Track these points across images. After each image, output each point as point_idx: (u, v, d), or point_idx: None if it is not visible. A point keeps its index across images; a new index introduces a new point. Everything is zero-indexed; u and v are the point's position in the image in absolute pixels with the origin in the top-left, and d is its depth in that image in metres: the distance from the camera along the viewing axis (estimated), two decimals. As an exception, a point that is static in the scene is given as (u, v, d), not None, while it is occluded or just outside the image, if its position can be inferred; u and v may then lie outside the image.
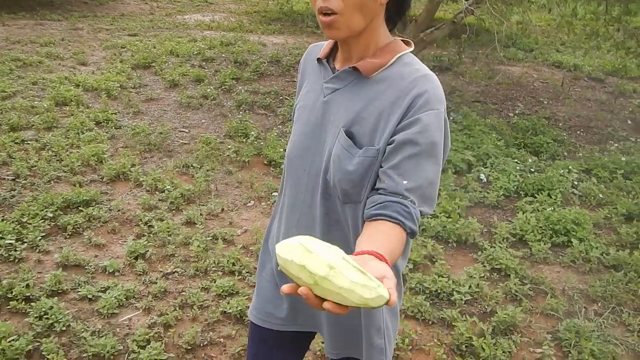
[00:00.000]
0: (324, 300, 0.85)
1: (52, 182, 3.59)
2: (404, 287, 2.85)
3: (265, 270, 1.40)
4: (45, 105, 4.74)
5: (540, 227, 3.59)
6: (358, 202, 1.14)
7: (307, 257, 0.85)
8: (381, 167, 1.09)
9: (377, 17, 1.11)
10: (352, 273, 0.83)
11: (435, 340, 2.52)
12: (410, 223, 1.03)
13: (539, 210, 3.80)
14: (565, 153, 5.07)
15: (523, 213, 3.73)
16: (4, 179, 3.56)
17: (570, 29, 6.40)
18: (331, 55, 1.22)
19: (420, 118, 1.06)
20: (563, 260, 3.30)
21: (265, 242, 1.42)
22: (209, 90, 5.59)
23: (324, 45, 1.24)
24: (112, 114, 4.76)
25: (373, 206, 1.06)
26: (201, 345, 2.36)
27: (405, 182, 1.05)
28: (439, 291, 2.83)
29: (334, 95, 1.17)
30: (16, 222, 3.06)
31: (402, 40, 1.17)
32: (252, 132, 4.61)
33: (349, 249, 1.08)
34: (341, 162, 1.12)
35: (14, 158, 3.80)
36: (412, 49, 1.17)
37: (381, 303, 0.83)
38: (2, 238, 2.88)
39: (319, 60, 1.23)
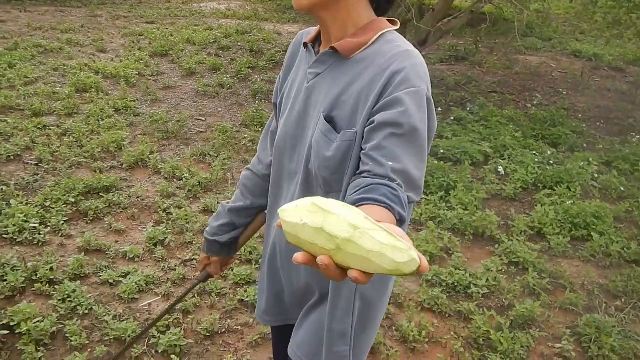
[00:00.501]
0: (344, 270, 0.71)
1: (73, 167, 3.64)
2: (421, 279, 2.86)
3: (263, 264, 1.36)
4: (66, 92, 4.79)
5: (559, 220, 3.56)
6: (339, 192, 1.06)
7: (324, 217, 0.71)
8: (362, 150, 1.01)
9: None
10: (379, 234, 0.70)
11: (452, 333, 2.53)
12: (399, 208, 0.89)
13: (557, 204, 3.76)
14: (585, 145, 5.01)
15: (541, 206, 3.70)
16: (28, 163, 3.62)
17: (591, 17, 6.28)
18: (317, 40, 1.16)
19: (400, 97, 0.98)
20: (583, 254, 3.27)
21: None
22: (225, 78, 5.60)
23: (312, 31, 1.18)
24: (130, 101, 4.80)
25: (357, 190, 0.93)
26: (219, 332, 2.39)
27: (390, 163, 0.95)
28: (455, 284, 2.82)
29: (316, 80, 1.11)
30: (40, 206, 3.11)
31: (388, 19, 1.10)
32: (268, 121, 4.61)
33: None
34: (319, 149, 1.07)
35: (37, 143, 3.86)
36: (396, 27, 1.10)
37: (413, 268, 0.70)
38: (26, 221, 2.93)
39: (304, 45, 1.17)
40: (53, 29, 6.83)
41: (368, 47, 1.05)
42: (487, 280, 2.88)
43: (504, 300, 2.78)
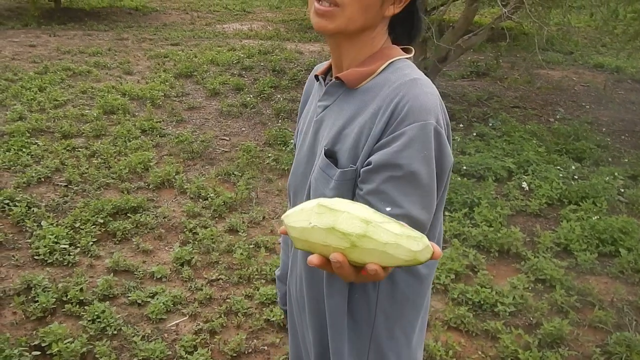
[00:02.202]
0: (358, 269, 0.69)
1: (101, 188, 3.73)
2: (447, 297, 2.84)
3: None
4: (94, 114, 4.93)
5: (586, 236, 3.50)
6: None
7: (334, 216, 0.69)
8: (359, 189, 0.94)
9: (376, 26, 1.00)
10: (391, 225, 0.69)
11: (480, 352, 2.50)
12: None
13: (583, 219, 3.71)
14: (610, 159, 4.93)
15: (567, 222, 3.65)
16: (58, 185, 3.73)
17: (612, 31, 6.23)
18: (330, 72, 1.10)
19: (402, 134, 0.89)
20: (611, 270, 3.21)
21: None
22: (248, 98, 5.70)
23: (325, 64, 1.13)
24: (156, 122, 4.91)
25: None
26: (246, 352, 2.41)
27: (389, 209, 0.88)
28: (482, 302, 2.80)
29: (324, 113, 1.05)
30: (69, 227, 3.20)
31: (402, 47, 1.05)
32: (291, 140, 4.67)
33: (337, 284, 1.02)
34: (318, 186, 1.01)
35: (66, 165, 3.97)
36: (409, 55, 1.04)
37: (428, 255, 0.70)
38: (57, 243, 3.01)
39: (316, 78, 1.13)
40: (81, 53, 7.05)
41: (376, 77, 0.99)
42: (514, 298, 2.85)
43: (531, 319, 2.74)
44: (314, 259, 0.69)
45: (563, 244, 3.44)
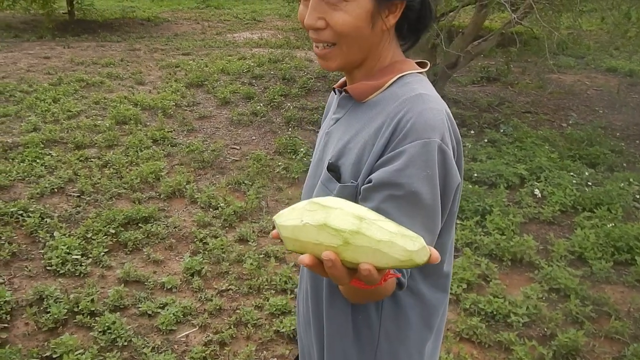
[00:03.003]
0: (351, 270, 0.66)
1: (113, 198, 3.76)
2: (459, 307, 2.81)
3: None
4: (107, 124, 4.98)
5: (601, 244, 3.45)
6: None
7: (327, 213, 0.66)
8: None
9: (379, 43, 0.97)
10: (386, 224, 0.66)
11: (492, 363, 2.46)
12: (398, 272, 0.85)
13: (598, 226, 3.65)
14: (625, 164, 4.86)
15: (581, 229, 3.60)
16: (71, 195, 3.76)
17: (624, 34, 6.15)
18: (346, 84, 1.09)
19: (403, 152, 0.86)
20: (627, 279, 3.15)
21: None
22: (258, 107, 5.72)
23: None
24: (168, 132, 4.95)
25: None
26: (256, 362, 2.41)
27: None
28: (494, 312, 2.76)
29: (334, 126, 1.05)
30: (81, 238, 3.22)
31: (417, 62, 1.03)
32: (301, 149, 4.67)
33: (338, 303, 1.00)
34: None
35: (79, 175, 4.01)
36: (422, 70, 1.01)
37: (424, 258, 0.66)
38: (69, 253, 3.04)
39: (333, 90, 1.13)
40: (94, 64, 7.14)
41: (383, 91, 0.98)
42: (527, 308, 2.81)
43: (545, 330, 2.70)
44: (305, 258, 0.67)
45: (577, 252, 3.39)
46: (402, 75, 0.98)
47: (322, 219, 0.65)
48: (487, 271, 3.12)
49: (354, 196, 0.94)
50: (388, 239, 0.64)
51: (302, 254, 0.69)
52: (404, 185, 0.86)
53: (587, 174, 4.51)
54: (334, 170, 0.98)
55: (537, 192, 4.16)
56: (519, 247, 3.33)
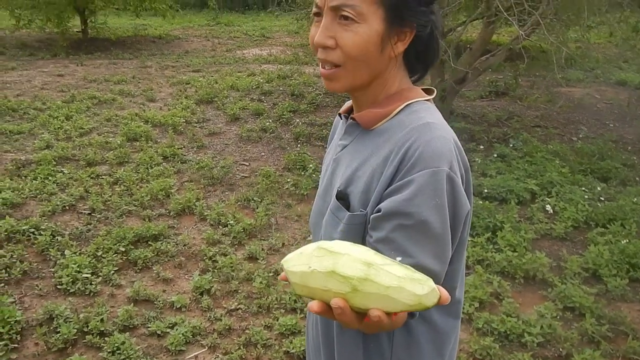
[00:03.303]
0: (361, 315, 0.65)
1: (123, 216, 3.78)
2: (471, 327, 2.77)
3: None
4: (118, 141, 5.03)
5: (615, 260, 3.39)
6: None
7: (334, 259, 0.66)
8: (369, 236, 0.92)
9: (386, 70, 0.98)
10: (394, 268, 0.66)
11: (505, 384, 2.42)
12: None
13: (612, 242, 3.60)
14: (637, 178, 4.80)
15: (595, 245, 3.55)
16: (82, 213, 3.79)
17: (633, 47, 6.13)
18: (352, 110, 1.10)
19: (412, 181, 0.87)
20: (642, 298, 3.10)
21: None
22: (267, 123, 5.74)
23: (349, 102, 1.12)
24: (178, 148, 4.98)
25: None
26: (265, 383, 2.38)
27: (399, 259, 0.85)
28: (508, 332, 2.72)
29: (342, 152, 1.05)
30: (92, 256, 3.23)
31: (423, 88, 1.03)
32: (310, 165, 4.68)
33: (349, 332, 0.98)
34: (327, 229, 1.00)
35: (90, 193, 4.03)
36: (429, 97, 1.02)
37: (434, 300, 0.67)
38: (79, 272, 3.05)
39: (339, 115, 1.14)
40: (107, 81, 7.24)
41: (391, 119, 0.98)
42: (542, 327, 2.76)
43: (560, 350, 2.65)
44: (314, 305, 0.67)
45: (591, 269, 3.34)
46: (410, 103, 0.98)
47: (330, 266, 0.66)
48: (499, 289, 3.08)
49: (363, 225, 0.94)
50: (397, 285, 0.64)
51: (311, 299, 0.68)
52: (414, 215, 0.86)
53: (599, 188, 4.47)
54: (342, 198, 0.98)
55: (548, 207, 4.12)
56: (531, 264, 3.29)
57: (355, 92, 1.02)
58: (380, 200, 0.91)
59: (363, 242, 0.94)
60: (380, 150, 0.95)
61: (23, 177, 4.22)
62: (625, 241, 3.57)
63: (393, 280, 0.65)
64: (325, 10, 0.94)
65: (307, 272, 0.67)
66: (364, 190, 0.95)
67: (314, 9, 0.98)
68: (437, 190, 0.86)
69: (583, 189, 4.42)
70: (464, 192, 0.92)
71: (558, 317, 2.88)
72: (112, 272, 3.10)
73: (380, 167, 0.93)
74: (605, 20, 5.96)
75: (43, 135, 5.06)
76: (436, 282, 0.90)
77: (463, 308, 2.87)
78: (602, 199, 4.30)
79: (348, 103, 1.14)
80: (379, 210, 0.90)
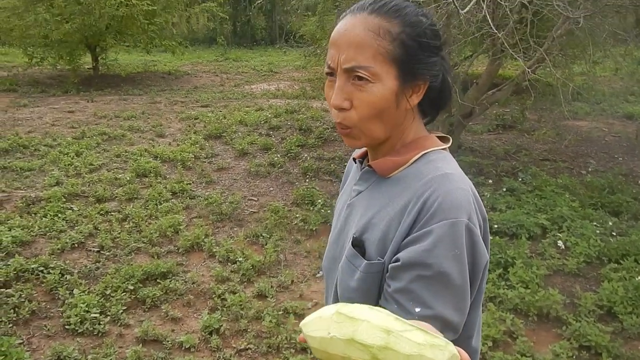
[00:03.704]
0: None
1: (132, 253, 3.78)
2: (484, 368, 2.71)
3: None
4: (127, 177, 5.06)
5: (630, 297, 3.33)
6: None
7: (354, 325, 0.66)
8: (388, 286, 0.91)
9: (404, 121, 0.99)
10: (414, 334, 0.66)
11: None
12: None
13: (626, 279, 3.54)
14: (650, 213, 4.76)
15: (609, 282, 3.49)
16: (91, 250, 3.79)
17: (638, 81, 6.17)
18: (367, 155, 1.10)
19: (431, 232, 0.87)
20: (660, 336, 3.03)
21: None
22: (275, 158, 5.78)
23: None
24: (187, 184, 5.01)
25: None
26: None
27: (418, 309, 0.85)
28: (523, 373, 2.66)
29: (357, 198, 1.06)
30: (100, 295, 3.22)
31: (439, 136, 1.04)
32: (319, 200, 4.68)
33: None
34: (343, 276, 0.99)
35: (99, 230, 4.05)
36: (445, 145, 1.02)
37: None
38: (88, 311, 3.03)
39: (354, 159, 1.14)
40: (116, 117, 7.35)
41: (408, 167, 0.98)
42: (557, 368, 2.70)
43: (577, 392, 2.58)
44: None
45: (606, 307, 3.28)
46: (426, 152, 0.99)
47: (350, 333, 0.66)
48: (512, 327, 3.03)
49: (381, 273, 0.93)
50: (417, 352, 0.64)
51: None
52: (433, 266, 0.86)
53: (610, 223, 4.42)
54: (358, 245, 0.98)
55: (560, 243, 4.08)
56: (544, 301, 3.24)
57: (374, 145, 1.03)
58: (398, 250, 0.91)
59: (380, 290, 0.94)
60: (398, 199, 0.95)
61: (33, 215, 4.24)
62: (639, 278, 3.51)
63: (413, 348, 0.64)
64: (339, 72, 0.95)
65: (327, 338, 0.67)
66: (380, 239, 0.95)
67: (326, 69, 0.99)
68: (457, 242, 0.87)
69: (594, 223, 4.38)
70: (483, 242, 0.92)
71: (574, 357, 2.82)
72: (121, 311, 3.08)
73: (397, 216, 0.93)
74: (610, 54, 6.03)
75: (53, 172, 5.11)
76: (454, 333, 0.89)
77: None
78: (614, 233, 4.25)
79: (361, 149, 1.14)
80: (397, 260, 0.90)
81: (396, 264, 0.89)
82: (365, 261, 0.95)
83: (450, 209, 0.88)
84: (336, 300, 1.06)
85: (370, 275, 0.94)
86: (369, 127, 0.96)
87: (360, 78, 0.93)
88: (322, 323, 0.69)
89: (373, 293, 0.94)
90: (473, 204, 0.91)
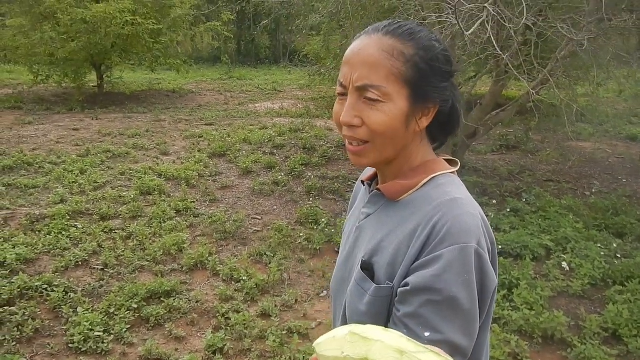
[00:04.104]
0: None
1: (136, 271, 3.77)
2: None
3: None
4: (132, 195, 5.08)
5: (635, 320, 3.31)
6: None
7: (367, 346, 0.67)
8: (397, 310, 0.91)
9: (412, 143, 1.00)
10: (427, 356, 0.66)
11: None
12: None
13: (631, 301, 3.52)
14: (654, 235, 4.75)
15: (614, 304, 3.47)
16: (95, 268, 3.79)
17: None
18: (375, 178, 1.11)
19: (440, 257, 0.87)
20: (667, 360, 3.00)
21: None
22: (279, 176, 5.80)
23: (371, 170, 1.14)
24: (191, 202, 5.02)
25: None
26: None
27: (427, 334, 0.85)
28: (529, 397, 2.63)
29: (365, 221, 1.06)
30: (104, 313, 3.21)
31: (447, 159, 1.05)
32: (323, 219, 4.68)
33: None
34: (352, 300, 1.00)
35: (103, 247, 4.05)
36: (454, 169, 1.03)
37: None
38: (91, 330, 3.02)
39: (362, 182, 1.15)
40: (121, 135, 7.40)
41: (417, 191, 0.99)
42: (563, 392, 2.67)
43: (584, 417, 2.55)
44: None
45: (611, 329, 3.26)
46: (435, 176, 1.00)
47: (364, 353, 0.66)
48: (517, 349, 3.01)
49: (390, 297, 0.94)
50: None
51: None
52: (442, 291, 0.86)
53: (615, 245, 4.42)
54: (367, 268, 0.98)
55: (564, 264, 4.07)
56: (549, 323, 3.22)
57: (380, 165, 1.04)
58: (407, 274, 0.91)
59: (389, 314, 0.94)
60: (407, 223, 0.96)
61: (37, 232, 4.25)
62: (645, 300, 3.50)
63: None
64: (351, 90, 0.97)
65: (340, 358, 0.68)
66: (389, 263, 0.95)
67: (339, 89, 1.00)
68: (466, 267, 0.87)
69: (599, 245, 4.37)
70: (492, 266, 0.93)
71: (581, 381, 2.79)
72: (125, 329, 3.06)
73: (406, 240, 0.94)
74: (613, 76, 6.08)
75: (57, 190, 5.13)
76: (463, 358, 0.90)
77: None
78: (619, 255, 4.24)
79: (370, 171, 1.16)
80: (406, 285, 0.90)
81: (405, 288, 0.90)
82: (375, 285, 0.95)
83: (460, 234, 0.88)
84: (344, 322, 1.06)
85: (379, 299, 0.94)
86: (378, 145, 0.97)
87: (372, 99, 0.94)
88: (336, 343, 0.70)
89: (382, 317, 0.94)
90: (482, 228, 0.92)
